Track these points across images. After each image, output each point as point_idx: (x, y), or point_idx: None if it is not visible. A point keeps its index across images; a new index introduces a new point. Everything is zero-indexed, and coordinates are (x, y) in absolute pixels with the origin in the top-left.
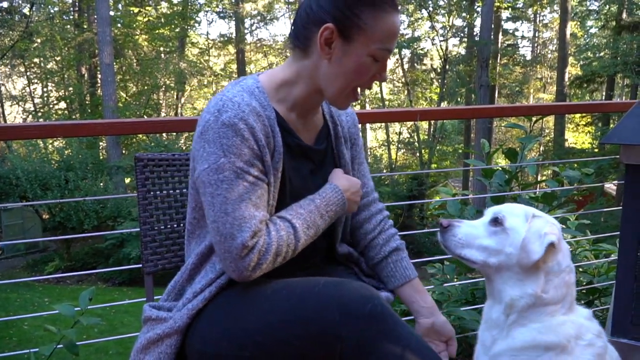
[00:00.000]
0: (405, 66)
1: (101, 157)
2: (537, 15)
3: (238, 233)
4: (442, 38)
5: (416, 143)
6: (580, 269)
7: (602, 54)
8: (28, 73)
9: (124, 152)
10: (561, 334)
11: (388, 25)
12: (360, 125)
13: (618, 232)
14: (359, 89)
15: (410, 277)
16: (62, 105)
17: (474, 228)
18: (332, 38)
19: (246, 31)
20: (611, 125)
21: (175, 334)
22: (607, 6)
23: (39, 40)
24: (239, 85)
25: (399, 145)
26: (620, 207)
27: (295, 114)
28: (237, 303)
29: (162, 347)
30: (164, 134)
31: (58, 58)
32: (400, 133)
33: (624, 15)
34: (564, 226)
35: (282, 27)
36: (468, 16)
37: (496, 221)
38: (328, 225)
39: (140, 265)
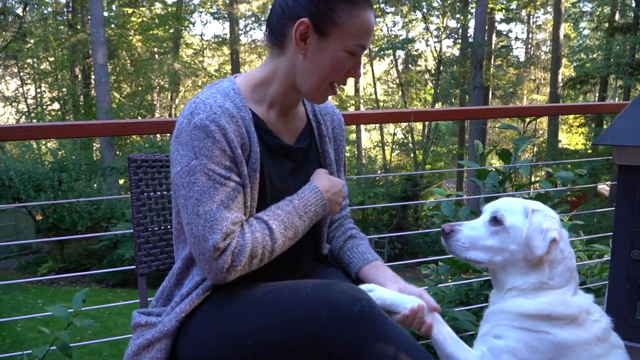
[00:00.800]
0: (400, 67)
1: (95, 158)
2: (531, 17)
3: (209, 235)
4: (436, 39)
5: (410, 144)
6: None
7: (595, 55)
8: (21, 74)
9: (118, 153)
10: (573, 307)
11: (362, 21)
12: (354, 126)
13: (611, 233)
14: (331, 85)
15: (368, 259)
16: (56, 106)
17: (476, 230)
18: (308, 33)
19: (240, 32)
20: (604, 126)
21: (165, 338)
22: (600, 8)
23: (32, 41)
24: (214, 87)
25: (394, 146)
26: (613, 208)
27: (275, 114)
28: (227, 306)
29: (152, 352)
30: (158, 135)
31: (51, 59)
32: (394, 134)
33: (617, 17)
34: None
35: None
36: (462, 17)
37: (496, 220)
38: (309, 226)
39: (134, 267)
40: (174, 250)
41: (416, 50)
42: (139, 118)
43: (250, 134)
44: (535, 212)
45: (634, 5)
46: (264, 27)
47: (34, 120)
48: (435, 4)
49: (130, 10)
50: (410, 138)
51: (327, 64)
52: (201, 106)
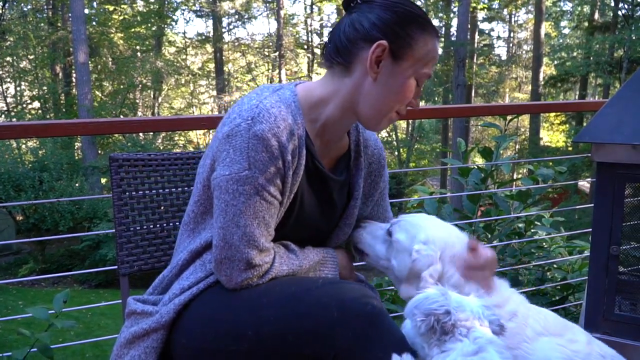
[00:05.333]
0: None
1: (77, 158)
2: (512, 16)
3: (245, 248)
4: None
5: (394, 142)
6: (555, 266)
7: (575, 54)
8: (0, 72)
9: (99, 152)
10: None
11: (433, 49)
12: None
13: (591, 229)
14: (395, 113)
15: None
16: (36, 104)
17: (378, 229)
18: (383, 56)
19: (224, 30)
20: (584, 124)
21: (162, 328)
22: (580, 7)
23: (11, 39)
24: (276, 94)
25: None
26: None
27: (322, 138)
28: (226, 297)
29: (148, 341)
30: (140, 134)
31: (31, 57)
32: (378, 132)
33: (597, 16)
34: (538, 223)
35: (260, 26)
36: (445, 16)
37: (390, 231)
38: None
39: (116, 267)
40: (179, 235)
41: None
42: (121, 117)
43: (300, 155)
44: (423, 244)
45: (612, 4)
46: (247, 25)
47: (14, 119)
48: (418, 3)
49: (111, 8)
50: (394, 136)
51: (397, 89)
52: (265, 114)
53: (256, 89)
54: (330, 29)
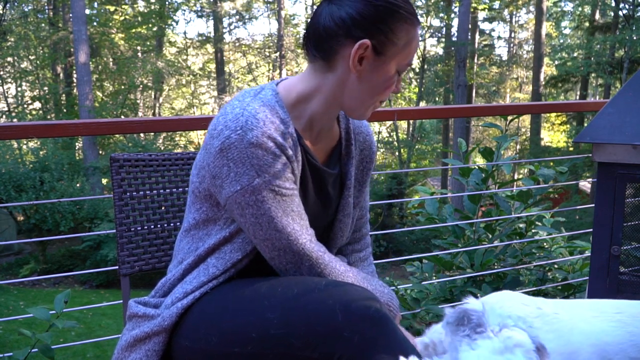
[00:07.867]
0: None
1: (77, 158)
2: (513, 16)
3: (294, 245)
4: (420, 38)
5: (395, 142)
6: (556, 266)
7: (576, 54)
8: (1, 72)
9: (100, 152)
10: None
11: (415, 40)
12: None
13: (592, 229)
14: (379, 102)
15: None
16: (37, 105)
17: None
18: (365, 54)
19: (225, 30)
20: (585, 124)
21: (164, 332)
22: (581, 7)
23: (12, 39)
24: (258, 98)
25: (378, 145)
26: (594, 205)
27: (310, 132)
28: (229, 299)
29: (149, 344)
30: (141, 134)
31: (32, 57)
32: (379, 132)
33: (597, 16)
34: (539, 224)
35: (260, 27)
36: (445, 17)
37: None
38: None
39: (117, 267)
40: (178, 241)
41: None
42: (122, 117)
43: (297, 152)
44: None
45: (613, 4)
46: (248, 26)
47: (15, 120)
48: (419, 3)
49: (112, 8)
50: (395, 136)
51: (380, 83)
52: (253, 121)
53: (237, 95)
54: (309, 19)
